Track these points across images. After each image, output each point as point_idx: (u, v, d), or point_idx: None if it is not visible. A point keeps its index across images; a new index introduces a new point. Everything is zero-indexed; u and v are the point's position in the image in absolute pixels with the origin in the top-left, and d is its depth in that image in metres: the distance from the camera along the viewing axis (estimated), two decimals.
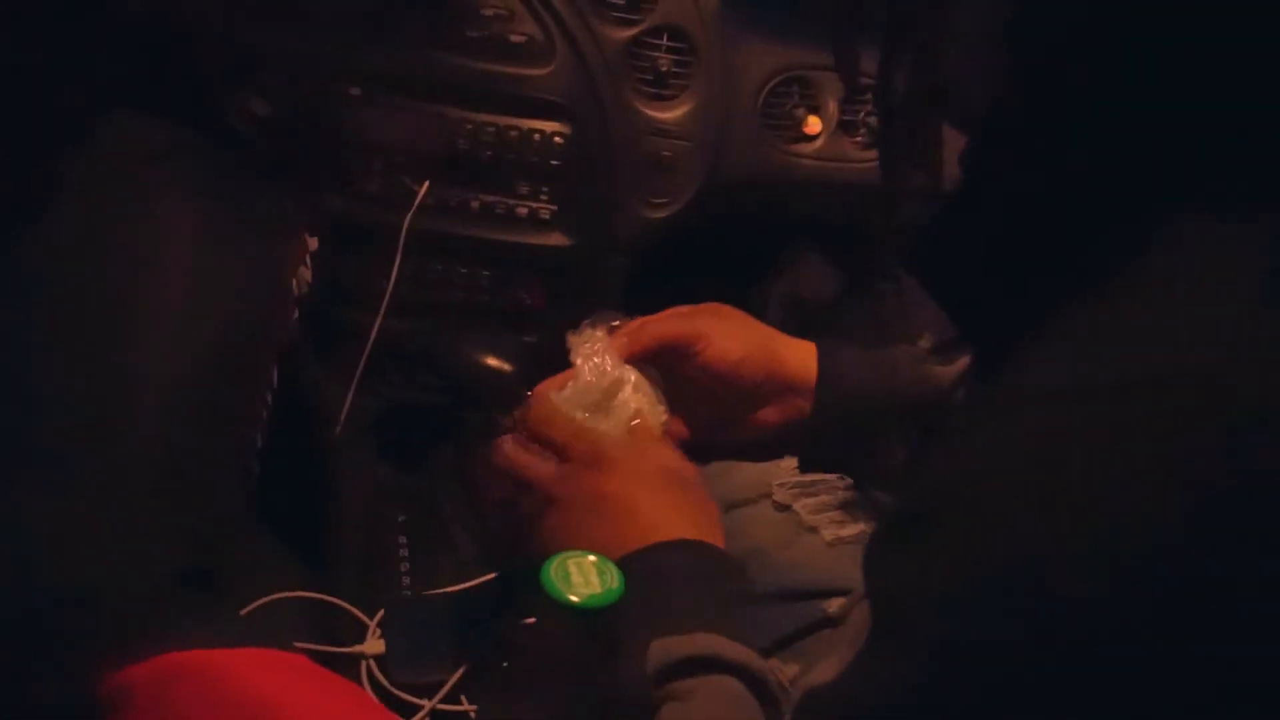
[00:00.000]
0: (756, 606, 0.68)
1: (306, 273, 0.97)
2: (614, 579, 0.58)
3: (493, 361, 0.88)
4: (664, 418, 0.75)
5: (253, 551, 0.85)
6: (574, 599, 0.56)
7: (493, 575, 0.88)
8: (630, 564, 0.59)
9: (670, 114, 1.01)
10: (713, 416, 0.79)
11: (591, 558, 0.58)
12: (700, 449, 0.78)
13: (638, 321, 0.77)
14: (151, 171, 0.78)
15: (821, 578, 0.74)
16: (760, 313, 0.87)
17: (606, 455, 0.66)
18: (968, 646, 0.30)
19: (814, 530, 0.77)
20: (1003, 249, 0.38)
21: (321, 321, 1.02)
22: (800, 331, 0.82)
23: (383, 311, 0.98)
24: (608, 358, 0.74)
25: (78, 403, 0.67)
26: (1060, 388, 0.31)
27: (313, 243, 0.97)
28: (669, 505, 0.65)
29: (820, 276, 1.17)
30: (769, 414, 0.79)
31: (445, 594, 0.85)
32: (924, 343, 0.79)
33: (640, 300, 0.96)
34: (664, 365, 0.76)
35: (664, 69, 0.99)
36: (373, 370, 0.99)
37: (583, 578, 0.58)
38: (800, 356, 0.78)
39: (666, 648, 0.57)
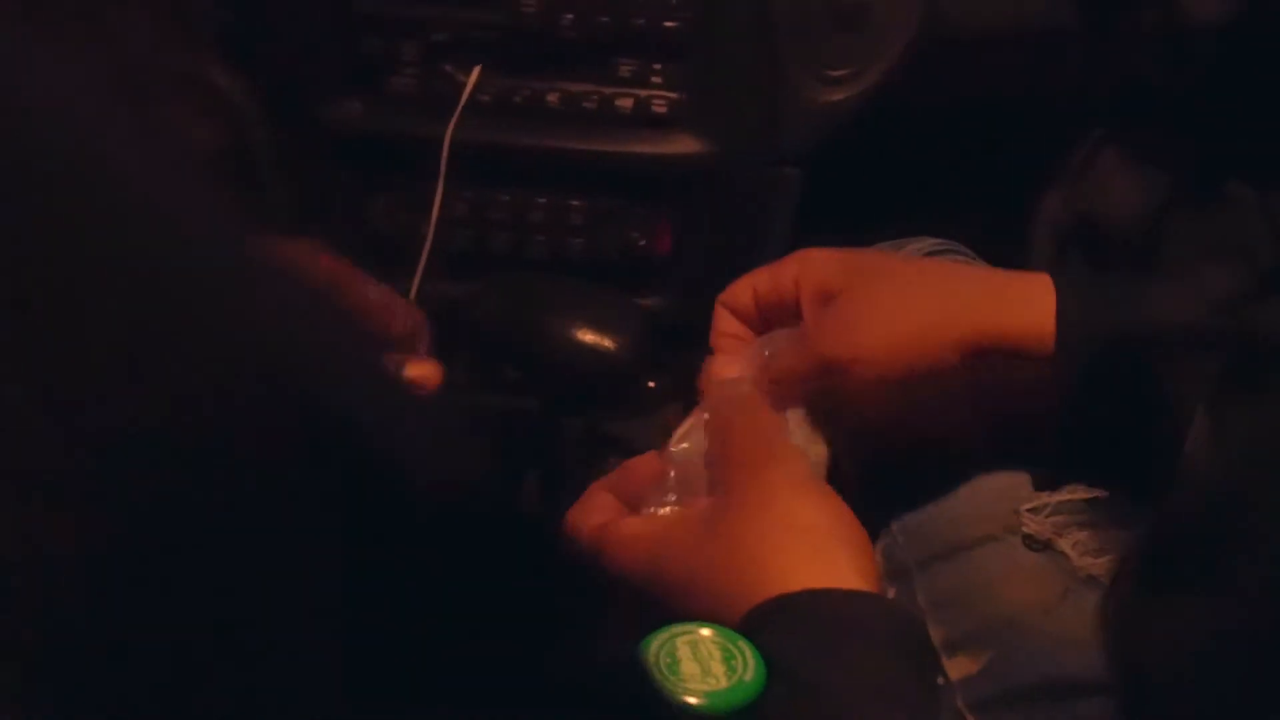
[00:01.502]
0: (1010, 707, 0.71)
1: None
2: (749, 665, 0.58)
3: (596, 339, 0.88)
4: (823, 452, 0.78)
5: None
6: (690, 700, 0.56)
7: None
8: (765, 623, 0.60)
9: None
10: (890, 427, 0.81)
11: (710, 632, 0.59)
12: (883, 477, 0.81)
13: (743, 290, 0.81)
14: None
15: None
16: (1022, 249, 0.93)
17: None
18: None
19: (1095, 580, 0.77)
20: None
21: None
22: (1098, 273, 0.84)
23: (421, 268, 1.00)
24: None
25: None
26: None
27: None
28: (811, 549, 0.67)
29: (1128, 185, 1.12)
30: (988, 404, 0.79)
31: None
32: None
33: (827, 237, 0.97)
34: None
35: None
36: None
37: (699, 665, 0.58)
38: (1018, 310, 0.78)
39: None
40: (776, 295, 0.80)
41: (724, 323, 0.82)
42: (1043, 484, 0.81)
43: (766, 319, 0.81)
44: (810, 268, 0.80)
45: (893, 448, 0.81)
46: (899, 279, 0.80)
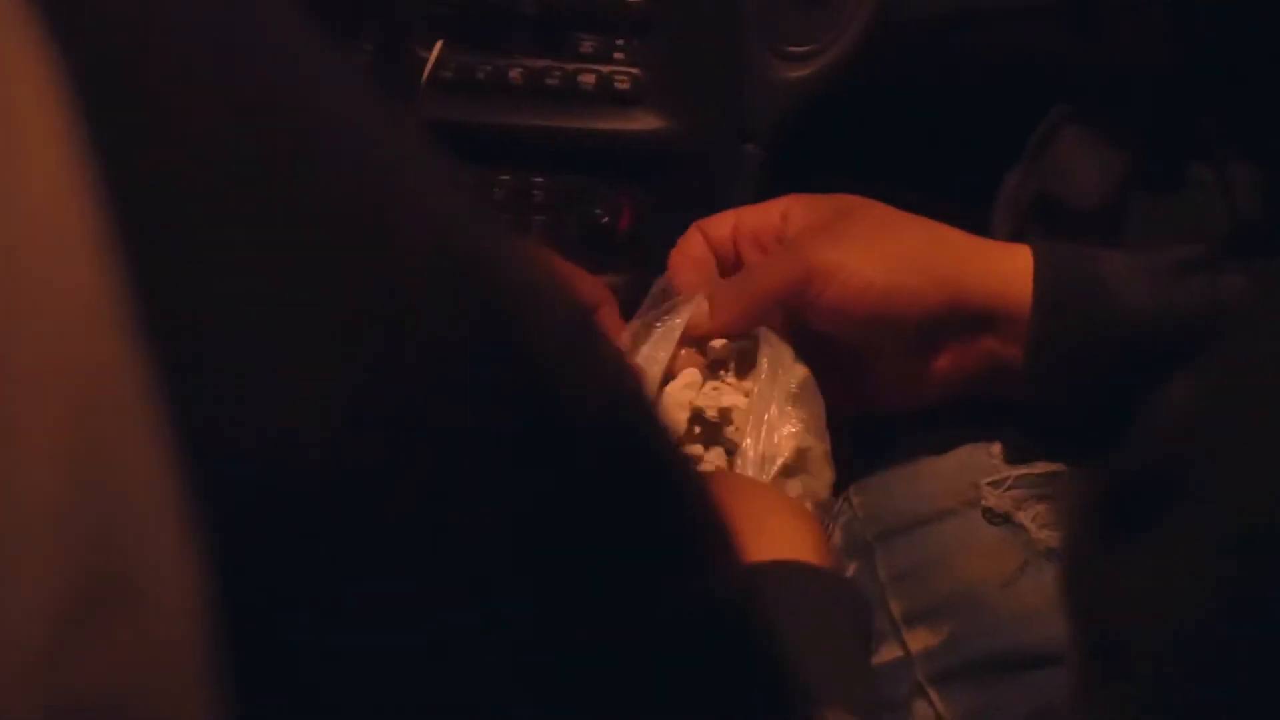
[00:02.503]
0: (970, 680, 0.73)
1: None
2: None
3: None
4: (805, 373, 0.79)
5: None
6: None
7: None
8: None
9: None
10: (857, 382, 0.82)
11: None
12: (848, 433, 0.81)
13: (723, 220, 0.83)
14: None
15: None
16: (984, 228, 0.90)
17: None
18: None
19: (1054, 553, 0.77)
20: None
21: None
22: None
23: None
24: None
25: None
26: None
27: None
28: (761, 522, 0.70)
29: (1086, 164, 1.10)
30: (951, 364, 0.80)
31: None
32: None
33: None
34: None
35: None
36: None
37: None
38: (999, 268, 0.79)
39: None
40: (761, 224, 0.82)
41: (691, 244, 0.84)
42: (1011, 455, 0.81)
43: (736, 253, 0.82)
44: (801, 203, 0.82)
45: (851, 402, 0.81)
46: (892, 215, 0.82)
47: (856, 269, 0.77)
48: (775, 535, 0.70)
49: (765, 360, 0.79)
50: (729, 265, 0.84)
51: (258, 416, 0.26)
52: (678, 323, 0.80)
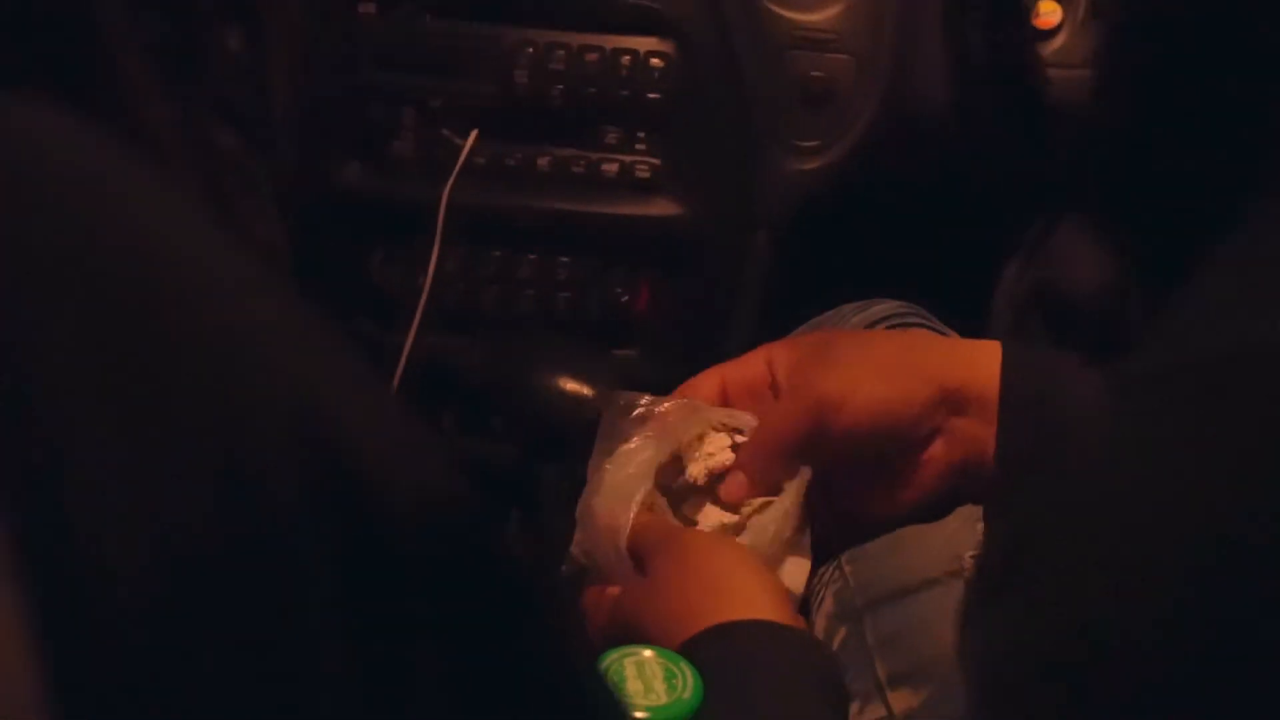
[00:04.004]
0: None
1: None
2: (688, 684, 0.60)
3: (573, 389, 0.90)
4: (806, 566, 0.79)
5: None
6: (638, 715, 0.59)
7: None
8: (701, 650, 0.63)
9: (818, 14, 1.02)
10: (857, 492, 0.81)
11: (653, 654, 0.62)
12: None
13: (710, 378, 0.82)
14: None
15: None
16: (982, 317, 0.91)
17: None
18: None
19: None
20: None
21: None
22: (1060, 342, 0.84)
23: (416, 322, 1.02)
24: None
25: None
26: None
27: None
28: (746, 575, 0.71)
29: (1083, 258, 1.09)
30: (944, 452, 0.80)
31: None
32: None
33: (797, 298, 0.98)
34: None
35: None
36: (412, 410, 0.99)
37: (643, 683, 0.60)
38: (968, 358, 0.79)
39: None
40: (748, 377, 0.81)
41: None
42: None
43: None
44: (780, 348, 0.82)
45: (856, 507, 0.81)
46: (865, 333, 0.83)
47: (861, 391, 0.78)
48: (738, 593, 0.71)
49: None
50: None
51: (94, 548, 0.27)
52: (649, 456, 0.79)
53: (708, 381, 0.82)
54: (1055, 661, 0.37)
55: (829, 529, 0.80)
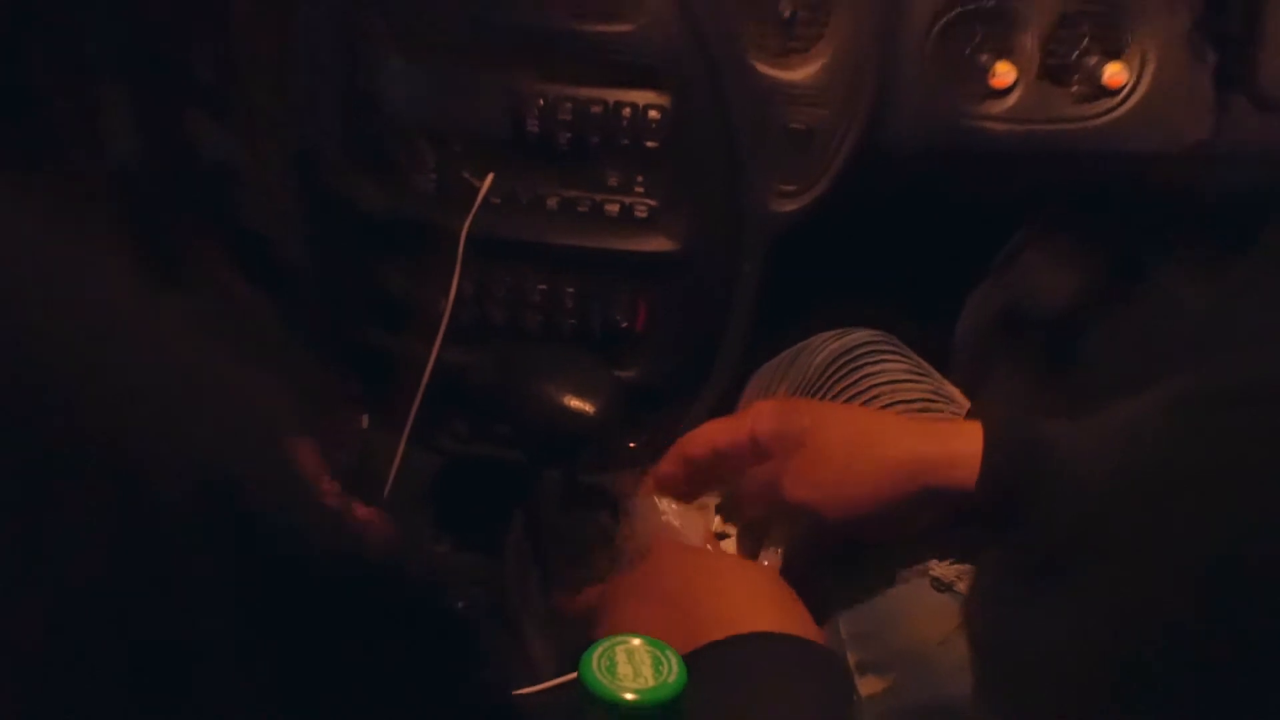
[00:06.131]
0: None
1: None
2: (673, 669, 0.59)
3: (575, 403, 0.93)
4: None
5: None
6: (624, 696, 0.58)
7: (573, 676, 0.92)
8: (700, 660, 0.62)
9: (799, 72, 1.05)
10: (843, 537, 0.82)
11: (641, 642, 0.60)
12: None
13: (701, 440, 0.82)
14: None
15: None
16: (944, 345, 0.87)
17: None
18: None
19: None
20: None
21: (365, 355, 1.08)
22: (1023, 362, 0.84)
23: (439, 340, 1.04)
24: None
25: None
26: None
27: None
28: (752, 594, 0.70)
29: (1048, 282, 1.16)
30: (917, 509, 0.80)
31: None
32: None
33: (781, 323, 1.01)
34: None
35: (788, 13, 1.03)
36: (428, 416, 1.04)
37: (632, 668, 0.60)
38: (949, 463, 0.77)
39: None
40: (733, 446, 0.81)
41: (670, 464, 0.83)
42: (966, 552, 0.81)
43: (716, 470, 0.82)
44: (765, 413, 0.81)
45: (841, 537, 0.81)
46: (849, 425, 0.80)
47: (837, 499, 0.78)
48: (749, 602, 0.72)
49: None
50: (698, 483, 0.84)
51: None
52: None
53: (699, 441, 0.82)
54: (1116, 650, 0.37)
55: (803, 539, 0.80)
